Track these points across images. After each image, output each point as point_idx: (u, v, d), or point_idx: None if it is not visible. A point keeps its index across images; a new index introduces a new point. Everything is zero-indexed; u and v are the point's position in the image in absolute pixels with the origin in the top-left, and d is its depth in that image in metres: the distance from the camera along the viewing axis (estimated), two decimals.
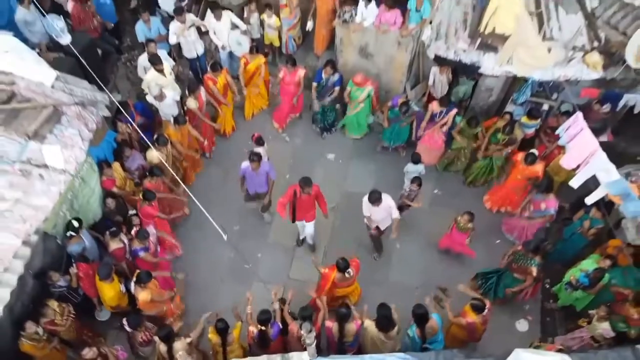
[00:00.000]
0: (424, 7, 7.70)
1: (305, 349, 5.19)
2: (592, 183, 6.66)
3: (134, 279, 6.30)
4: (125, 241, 6.92)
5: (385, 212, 7.12)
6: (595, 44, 8.03)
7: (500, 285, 7.38)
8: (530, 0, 8.37)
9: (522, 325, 7.73)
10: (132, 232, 6.76)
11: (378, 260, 8.14)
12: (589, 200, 6.73)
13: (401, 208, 7.69)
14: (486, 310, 6.34)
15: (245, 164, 7.19)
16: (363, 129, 9.13)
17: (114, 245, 6.86)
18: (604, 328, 6.34)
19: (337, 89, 8.54)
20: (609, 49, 7.90)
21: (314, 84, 8.48)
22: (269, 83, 9.17)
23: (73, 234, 6.30)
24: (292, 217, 7.37)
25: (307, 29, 8.96)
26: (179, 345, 5.63)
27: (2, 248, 5.46)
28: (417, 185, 7.55)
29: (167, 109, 7.90)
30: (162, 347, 5.73)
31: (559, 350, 6.22)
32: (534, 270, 6.86)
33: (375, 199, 6.86)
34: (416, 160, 8.01)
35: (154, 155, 7.05)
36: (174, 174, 6.19)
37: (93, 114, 6.43)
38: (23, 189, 5.76)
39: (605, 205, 7.13)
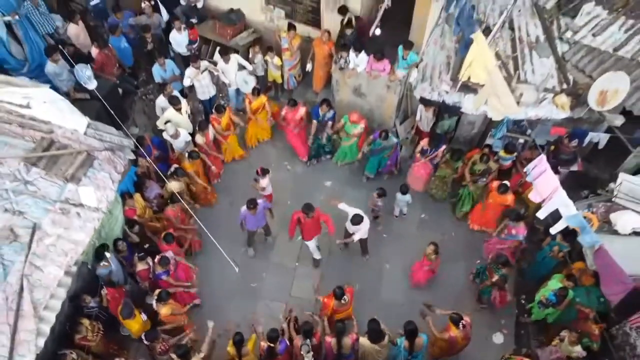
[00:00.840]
0: (410, 56, 8.65)
1: None
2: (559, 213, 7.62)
3: (155, 297, 7.25)
4: (150, 264, 7.90)
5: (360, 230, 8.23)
6: (564, 86, 8.98)
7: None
8: (507, 45, 9.38)
9: (498, 338, 8.66)
10: (156, 259, 7.68)
11: (370, 280, 9.07)
12: (553, 230, 7.72)
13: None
14: (465, 325, 7.30)
15: (244, 209, 8.17)
16: (355, 155, 10.04)
17: (140, 266, 7.82)
18: (578, 351, 7.20)
19: (330, 123, 9.52)
20: (576, 90, 8.84)
21: (314, 121, 9.44)
22: (278, 115, 10.03)
23: (105, 263, 7.26)
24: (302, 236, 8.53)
25: (306, 70, 9.92)
26: None
27: (48, 278, 6.42)
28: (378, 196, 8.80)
29: (180, 144, 8.92)
30: None
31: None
32: (495, 277, 7.89)
33: (356, 221, 7.98)
34: (404, 191, 9.05)
35: (174, 185, 8.03)
36: (186, 206, 7.18)
37: (121, 158, 7.39)
38: (64, 226, 6.72)
39: (572, 232, 8.07)
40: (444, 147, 9.11)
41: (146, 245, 8.42)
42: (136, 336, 7.57)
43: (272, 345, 6.83)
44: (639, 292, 6.79)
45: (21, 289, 6.28)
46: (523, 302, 8.98)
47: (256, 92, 9.38)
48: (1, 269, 6.37)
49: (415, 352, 7.08)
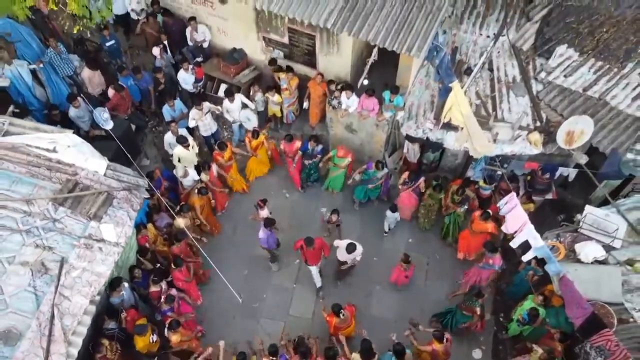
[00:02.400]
0: (396, 100, 9.54)
1: None
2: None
3: (167, 326, 8.14)
4: (163, 286, 8.78)
5: (352, 257, 9.22)
6: (538, 123, 9.85)
7: (454, 322, 9.23)
8: (487, 84, 10.26)
9: (477, 354, 9.54)
10: (162, 299, 8.53)
11: (362, 298, 9.94)
12: (524, 258, 8.59)
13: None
14: (447, 341, 8.17)
15: (262, 232, 9.17)
16: (341, 186, 10.97)
17: (153, 288, 8.74)
18: None
19: (319, 156, 10.49)
20: (548, 128, 9.71)
21: (300, 152, 10.40)
22: (276, 151, 11.07)
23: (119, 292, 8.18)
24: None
25: (304, 107, 10.84)
26: None
27: (75, 306, 7.32)
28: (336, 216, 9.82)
29: (189, 183, 9.94)
30: None
31: None
32: (478, 310, 8.72)
33: (351, 250, 8.95)
34: (394, 209, 10.00)
35: (180, 222, 8.95)
36: (192, 240, 8.09)
37: (137, 197, 8.31)
38: (88, 259, 7.63)
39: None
40: (422, 178, 9.98)
41: (157, 265, 9.30)
42: (141, 351, 8.39)
43: (273, 359, 7.71)
44: (597, 316, 7.63)
45: (52, 316, 7.18)
46: (501, 319, 9.87)
47: (255, 134, 10.30)
48: (35, 299, 7.29)
49: None
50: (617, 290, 8.03)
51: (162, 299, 8.42)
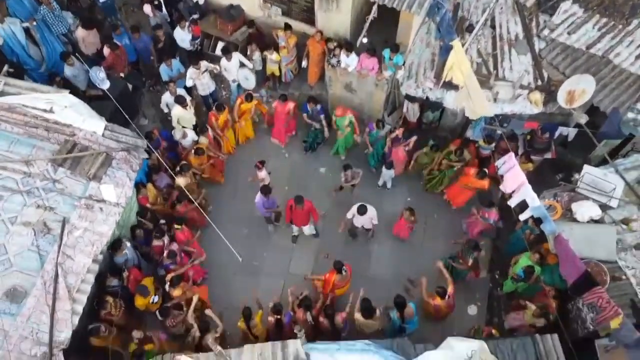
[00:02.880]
0: (396, 58, 9.39)
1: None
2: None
3: (169, 283, 8.30)
4: (166, 241, 8.90)
5: (368, 220, 9.22)
6: (539, 82, 9.74)
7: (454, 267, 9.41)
8: (488, 42, 10.08)
9: (472, 310, 9.78)
10: (165, 253, 8.66)
11: (360, 258, 10.11)
12: (521, 217, 8.68)
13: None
14: (449, 297, 8.37)
15: (258, 197, 9.13)
16: (350, 145, 10.91)
17: (156, 242, 8.86)
18: (540, 321, 8.28)
19: (322, 116, 10.36)
20: (550, 87, 9.61)
21: (304, 115, 10.34)
22: (265, 115, 11.02)
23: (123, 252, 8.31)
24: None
25: (302, 66, 10.67)
26: (209, 336, 7.57)
27: (78, 265, 7.48)
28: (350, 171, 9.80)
29: (188, 143, 9.92)
30: (198, 334, 7.71)
31: (490, 334, 8.37)
32: (469, 261, 8.93)
33: (362, 212, 8.94)
34: (389, 166, 10.02)
35: (181, 181, 8.99)
36: (192, 199, 8.17)
37: (136, 157, 8.32)
38: (89, 219, 7.74)
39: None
40: (415, 137, 9.95)
41: (159, 222, 9.35)
42: (139, 309, 8.58)
43: (279, 317, 7.92)
44: (589, 275, 7.78)
45: (56, 275, 7.36)
46: (497, 277, 10.07)
47: (249, 97, 10.21)
48: (38, 258, 7.44)
49: (407, 319, 8.17)
50: (611, 248, 8.16)
51: (165, 254, 8.55)
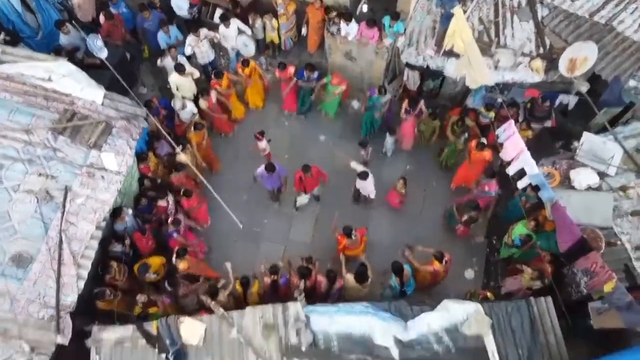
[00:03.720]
0: (397, 26, 9.29)
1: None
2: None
3: (175, 254, 8.39)
4: (170, 201, 9.01)
5: (368, 185, 9.36)
6: (541, 50, 9.65)
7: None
8: (490, 9, 9.93)
9: (469, 274, 9.96)
10: (169, 220, 8.77)
11: (359, 224, 10.12)
12: (519, 185, 8.75)
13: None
14: (446, 262, 8.52)
15: (260, 169, 9.14)
16: (334, 110, 10.95)
17: (161, 202, 8.99)
18: (537, 284, 8.49)
19: (315, 82, 10.31)
20: (551, 55, 9.53)
21: (298, 80, 10.26)
22: (267, 83, 10.98)
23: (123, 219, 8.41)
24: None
25: (302, 34, 10.56)
26: (221, 296, 7.73)
27: (82, 232, 7.61)
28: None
29: (187, 115, 9.85)
30: (210, 301, 7.73)
31: (485, 298, 8.55)
32: (465, 216, 9.17)
33: (364, 176, 9.11)
34: (392, 132, 10.11)
35: (182, 158, 9.02)
36: (196, 171, 8.22)
37: (136, 126, 8.34)
38: (91, 187, 7.81)
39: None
40: (422, 101, 9.95)
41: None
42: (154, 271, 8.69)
43: (275, 278, 8.10)
44: (585, 241, 7.90)
45: (60, 241, 7.49)
46: (494, 242, 10.21)
47: (246, 63, 10.16)
48: (42, 225, 7.55)
49: (405, 283, 8.35)
50: (607, 215, 8.25)
51: (169, 221, 8.64)
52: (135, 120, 8.41)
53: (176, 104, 9.64)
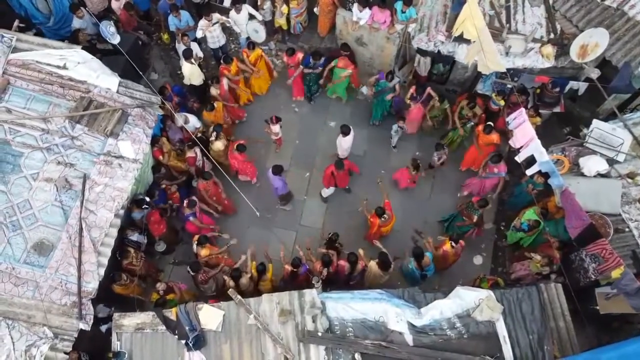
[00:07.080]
0: (409, 11, 9.27)
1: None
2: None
3: (197, 242, 8.51)
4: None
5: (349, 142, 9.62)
6: (552, 35, 9.66)
7: (452, 224, 9.75)
8: None
9: (477, 260, 10.14)
10: (185, 202, 8.86)
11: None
12: (529, 172, 8.87)
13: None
14: (459, 246, 8.72)
15: (271, 176, 9.29)
16: (344, 92, 10.98)
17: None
18: (546, 269, 8.66)
19: (320, 68, 10.32)
20: (562, 40, 9.54)
21: (304, 67, 10.24)
22: (270, 66, 10.92)
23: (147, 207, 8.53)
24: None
25: (315, 12, 10.52)
26: (244, 280, 7.94)
27: (101, 220, 7.75)
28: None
29: (190, 129, 9.51)
30: (232, 283, 7.97)
31: (495, 283, 8.75)
32: (475, 217, 9.17)
33: (344, 131, 9.37)
34: (398, 119, 10.20)
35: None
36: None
37: (151, 114, 8.41)
38: (109, 175, 7.93)
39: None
40: (429, 87, 10.00)
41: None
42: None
43: (295, 270, 8.26)
44: (594, 227, 8.06)
45: (80, 229, 7.63)
46: (502, 228, 10.38)
47: (252, 46, 10.15)
48: (62, 212, 7.69)
49: (425, 267, 8.52)
50: (616, 202, 8.38)
51: (185, 204, 8.70)
52: (150, 107, 8.46)
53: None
